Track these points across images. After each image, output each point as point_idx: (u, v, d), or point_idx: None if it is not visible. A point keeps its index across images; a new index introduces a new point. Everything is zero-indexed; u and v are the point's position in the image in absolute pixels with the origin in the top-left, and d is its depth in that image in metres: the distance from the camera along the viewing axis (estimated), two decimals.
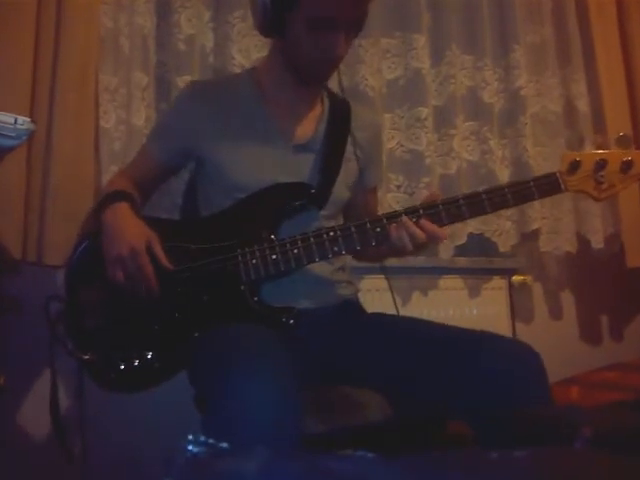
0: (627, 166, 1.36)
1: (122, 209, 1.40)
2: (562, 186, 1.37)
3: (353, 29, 1.41)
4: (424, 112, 2.22)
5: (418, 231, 1.31)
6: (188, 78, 1.92)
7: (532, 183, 1.37)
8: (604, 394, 1.93)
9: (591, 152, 1.40)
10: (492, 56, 2.37)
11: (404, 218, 1.32)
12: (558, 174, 1.37)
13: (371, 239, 1.35)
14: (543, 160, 2.38)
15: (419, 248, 1.34)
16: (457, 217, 1.36)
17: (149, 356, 1.36)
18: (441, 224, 1.36)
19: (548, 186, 1.37)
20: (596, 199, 1.40)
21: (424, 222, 1.32)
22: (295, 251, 1.36)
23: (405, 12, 2.26)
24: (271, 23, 1.39)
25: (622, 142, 1.38)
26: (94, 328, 1.38)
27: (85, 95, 1.77)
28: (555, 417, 1.01)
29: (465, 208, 1.35)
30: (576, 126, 2.45)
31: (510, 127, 2.39)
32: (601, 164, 1.36)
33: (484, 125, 2.34)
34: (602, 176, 1.36)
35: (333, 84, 1.60)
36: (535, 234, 2.38)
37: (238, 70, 1.98)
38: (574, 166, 1.36)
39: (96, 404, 1.44)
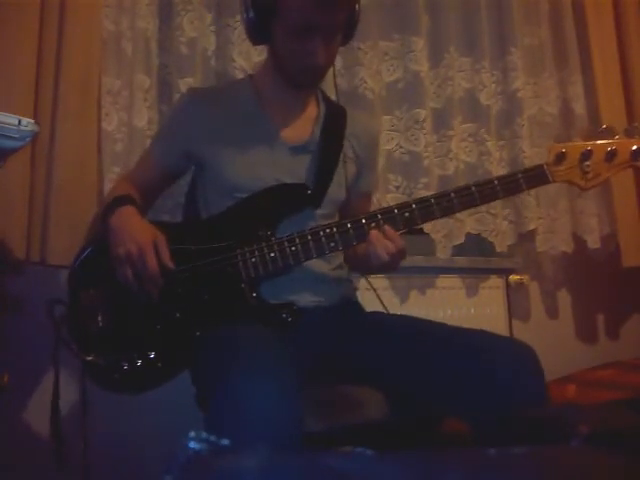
0: (611, 155, 1.41)
1: (128, 212, 1.42)
2: (549, 177, 1.41)
3: (335, 36, 1.42)
4: (422, 114, 2.23)
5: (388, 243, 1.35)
6: (190, 80, 1.94)
7: (520, 175, 1.41)
8: (600, 392, 1.95)
9: (576, 143, 1.44)
10: (490, 58, 2.37)
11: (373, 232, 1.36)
12: (545, 165, 1.42)
13: (366, 234, 1.38)
14: (540, 161, 2.37)
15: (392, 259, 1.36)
16: (449, 210, 1.40)
17: (152, 356, 1.37)
18: (434, 217, 1.41)
19: (535, 177, 1.42)
20: (583, 188, 1.44)
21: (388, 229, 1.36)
22: (293, 248, 1.38)
23: (403, 15, 2.27)
24: (256, 31, 1.43)
25: (606, 133, 1.42)
26: (97, 330, 1.39)
27: (88, 97, 1.77)
28: (552, 415, 1.02)
29: (456, 201, 1.39)
30: (572, 128, 2.46)
31: (507, 129, 2.40)
32: (586, 154, 1.41)
33: (482, 127, 2.35)
34: (588, 166, 1.41)
35: (329, 87, 1.62)
36: (532, 234, 2.39)
37: (239, 72, 1.99)
38: (560, 157, 1.41)
39: (97, 403, 1.45)
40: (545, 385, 1.22)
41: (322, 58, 1.40)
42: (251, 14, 1.40)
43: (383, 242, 1.35)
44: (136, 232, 1.37)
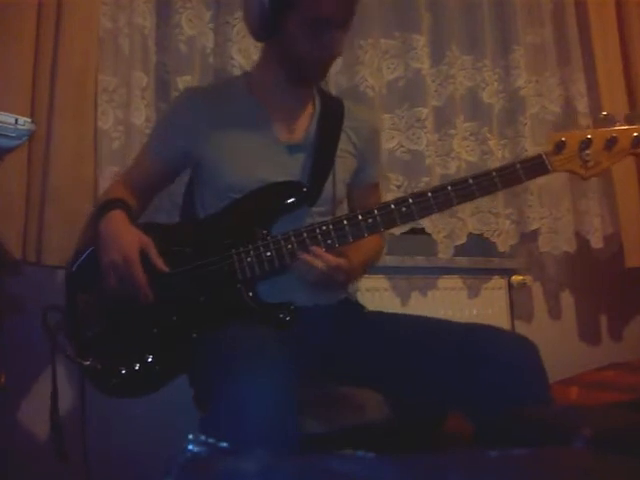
0: (611, 143, 1.37)
1: (116, 217, 1.40)
2: (548, 166, 1.38)
3: (348, 27, 1.44)
4: (424, 112, 2.22)
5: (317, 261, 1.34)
6: (188, 79, 1.93)
7: (519, 165, 1.38)
8: (603, 394, 1.93)
9: (576, 132, 1.41)
10: (492, 56, 2.37)
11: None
12: (544, 154, 1.38)
13: (363, 230, 1.37)
14: None
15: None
16: (446, 204, 1.38)
17: (149, 360, 1.36)
18: (431, 212, 1.39)
19: (534, 167, 1.39)
20: (583, 177, 1.41)
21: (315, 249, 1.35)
22: (289, 247, 1.37)
23: (405, 13, 2.27)
24: (268, 25, 1.41)
25: (606, 121, 1.39)
26: (94, 334, 1.38)
27: (85, 95, 1.77)
28: (554, 417, 1.01)
29: (454, 194, 1.37)
30: (575, 126, 2.45)
31: (509, 127, 2.39)
32: (586, 143, 1.38)
33: (484, 125, 2.34)
34: (588, 154, 1.38)
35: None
36: (534, 234, 2.38)
37: (237, 70, 1.99)
38: (559, 146, 1.38)
39: (97, 404, 1.45)
40: (547, 380, 1.22)
41: (338, 49, 1.43)
42: (265, 5, 1.37)
43: (311, 262, 1.34)
44: (122, 239, 1.36)
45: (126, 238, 1.36)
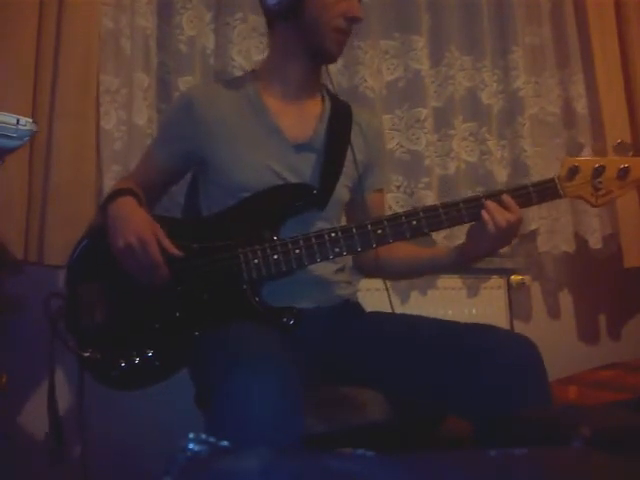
0: (624, 173, 1.38)
1: (126, 202, 1.39)
2: (560, 192, 1.39)
3: None
4: (423, 113, 2.22)
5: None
6: (189, 79, 1.93)
7: (531, 188, 1.38)
8: (602, 393, 1.93)
9: (590, 158, 1.41)
10: (491, 57, 2.36)
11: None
12: (557, 180, 1.38)
13: (372, 241, 1.36)
14: (541, 161, 2.38)
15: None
16: (457, 220, 1.37)
17: (150, 354, 1.36)
18: (441, 227, 1.39)
19: (546, 191, 1.39)
20: (593, 205, 1.42)
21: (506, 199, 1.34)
22: (297, 251, 1.36)
23: (404, 14, 2.26)
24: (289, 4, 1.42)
25: (620, 149, 1.40)
26: (95, 326, 1.38)
27: (86, 96, 1.77)
28: (553, 417, 1.01)
29: (465, 212, 1.36)
30: (574, 127, 2.45)
31: (508, 128, 2.38)
32: (599, 170, 1.38)
33: (483, 126, 2.33)
34: (600, 182, 1.38)
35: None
36: (533, 234, 2.38)
37: (238, 71, 1.98)
38: (573, 172, 1.38)
39: (96, 403, 1.45)
40: (547, 380, 1.22)
41: (361, 14, 1.45)
42: None
43: (502, 211, 1.33)
44: (134, 222, 1.35)
45: (138, 221, 1.35)
